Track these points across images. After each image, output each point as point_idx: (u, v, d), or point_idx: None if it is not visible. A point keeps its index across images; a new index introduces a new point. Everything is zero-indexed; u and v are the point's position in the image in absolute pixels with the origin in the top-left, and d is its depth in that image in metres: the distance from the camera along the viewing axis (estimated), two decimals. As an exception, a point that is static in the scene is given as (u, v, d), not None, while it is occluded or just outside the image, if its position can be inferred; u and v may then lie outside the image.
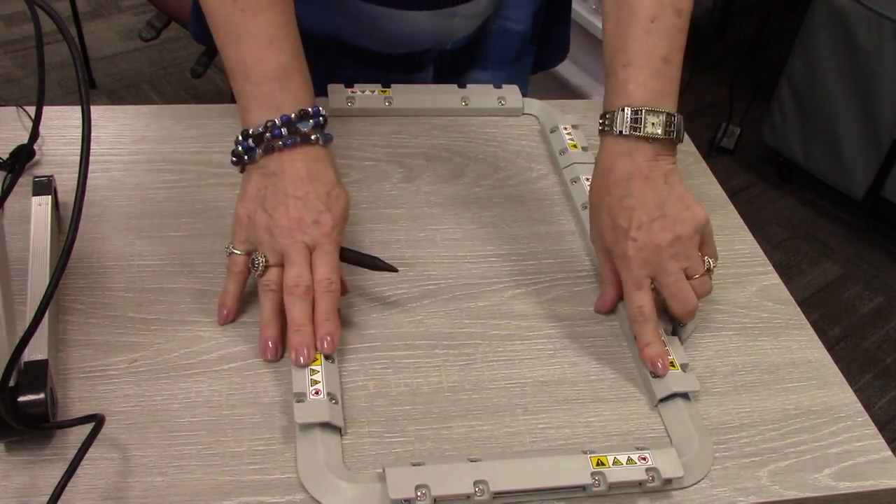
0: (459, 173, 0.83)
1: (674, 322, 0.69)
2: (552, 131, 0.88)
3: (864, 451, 0.64)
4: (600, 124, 0.69)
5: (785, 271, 2.12)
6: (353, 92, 0.87)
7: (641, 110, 0.66)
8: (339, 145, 0.83)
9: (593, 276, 0.75)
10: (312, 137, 0.66)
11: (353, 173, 0.81)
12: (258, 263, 0.64)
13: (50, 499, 0.51)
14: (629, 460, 0.58)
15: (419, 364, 0.65)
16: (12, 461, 0.55)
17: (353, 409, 0.62)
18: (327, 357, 0.62)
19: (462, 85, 0.91)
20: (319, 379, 0.60)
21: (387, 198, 0.79)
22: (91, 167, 0.73)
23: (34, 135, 0.74)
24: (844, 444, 0.64)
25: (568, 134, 0.87)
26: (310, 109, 0.66)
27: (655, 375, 0.65)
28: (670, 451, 0.60)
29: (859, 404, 0.68)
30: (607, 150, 0.69)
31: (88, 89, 0.78)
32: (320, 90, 0.85)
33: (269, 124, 0.65)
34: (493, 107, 0.91)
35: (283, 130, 0.65)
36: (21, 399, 0.53)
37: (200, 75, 1.88)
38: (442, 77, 0.96)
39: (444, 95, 0.90)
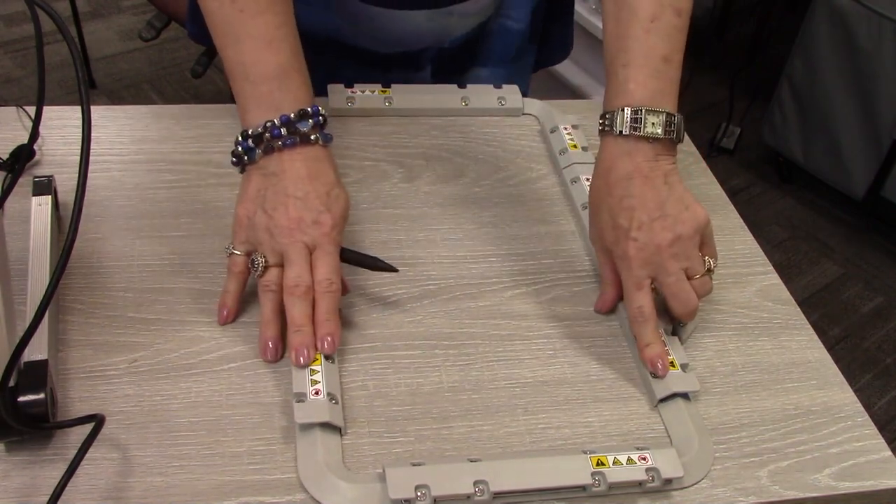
0: (459, 173, 0.83)
1: (674, 322, 0.69)
2: (552, 131, 0.88)
3: (864, 451, 0.64)
4: (600, 124, 0.69)
5: (785, 271, 2.12)
6: (353, 92, 0.87)
7: (641, 110, 0.66)
8: (339, 145, 0.83)
9: (593, 276, 0.75)
10: (312, 137, 0.66)
11: (353, 173, 0.81)
12: (258, 264, 0.64)
13: (50, 499, 0.51)
14: (629, 460, 0.58)
15: (419, 364, 0.65)
16: (12, 461, 0.55)
17: (353, 409, 0.62)
18: (327, 357, 0.62)
19: (462, 85, 0.91)
20: (319, 379, 0.60)
21: (387, 198, 0.79)
22: (91, 167, 0.73)
23: (34, 135, 0.74)
24: (844, 444, 0.64)
25: (568, 134, 0.87)
26: (309, 109, 0.67)
27: (655, 376, 0.65)
28: (670, 451, 0.60)
29: (859, 404, 0.68)
30: (607, 150, 0.69)
31: (88, 89, 0.78)
32: (320, 90, 0.85)
33: (268, 124, 0.65)
34: (493, 107, 0.91)
35: (283, 130, 0.65)
36: (21, 399, 0.53)
37: (200, 75, 1.88)
38: (441, 75, 0.96)
39: (444, 95, 0.90)
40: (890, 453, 0.64)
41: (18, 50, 2.48)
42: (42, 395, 0.53)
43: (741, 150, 2.47)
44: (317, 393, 0.59)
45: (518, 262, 0.75)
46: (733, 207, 0.85)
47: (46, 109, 0.78)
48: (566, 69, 2.22)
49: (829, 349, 0.73)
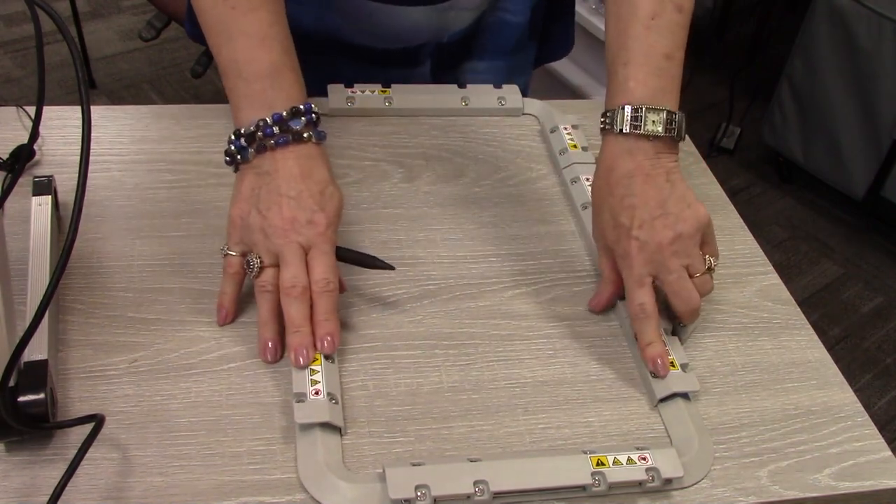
0: (459, 173, 0.83)
1: (674, 322, 0.69)
2: (552, 131, 0.88)
3: (864, 451, 0.64)
4: (601, 123, 0.69)
5: (785, 271, 2.12)
6: (352, 92, 0.87)
7: (642, 108, 0.66)
8: (339, 145, 0.83)
9: (593, 276, 0.75)
10: (305, 135, 0.66)
11: (353, 173, 0.81)
12: (253, 265, 0.63)
13: (50, 499, 0.51)
14: (629, 460, 0.58)
15: (419, 364, 0.65)
16: (12, 461, 0.55)
17: (353, 409, 0.62)
18: (327, 357, 0.62)
19: (462, 84, 0.91)
20: (319, 379, 0.60)
21: (387, 198, 0.79)
22: (91, 167, 0.73)
23: (34, 135, 0.74)
24: (844, 444, 0.64)
25: (568, 134, 0.87)
26: (301, 107, 0.66)
27: (655, 375, 0.65)
28: (670, 451, 0.60)
29: (859, 404, 0.68)
30: (608, 148, 0.69)
31: (88, 89, 0.78)
32: (320, 90, 0.85)
33: (260, 123, 0.65)
34: (493, 107, 0.91)
35: (275, 129, 0.65)
36: (21, 399, 0.53)
37: (200, 75, 1.88)
38: (440, 70, 0.96)
39: (444, 95, 0.90)
40: (890, 453, 0.64)
41: (18, 50, 2.48)
42: (42, 395, 0.53)
43: (741, 150, 2.48)
44: (317, 393, 0.59)
45: (518, 262, 0.75)
46: (733, 207, 0.85)
47: (46, 109, 0.78)
48: (566, 69, 2.23)
49: (829, 349, 0.73)
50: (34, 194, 0.69)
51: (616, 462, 0.58)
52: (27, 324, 0.47)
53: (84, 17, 2.54)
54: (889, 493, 0.63)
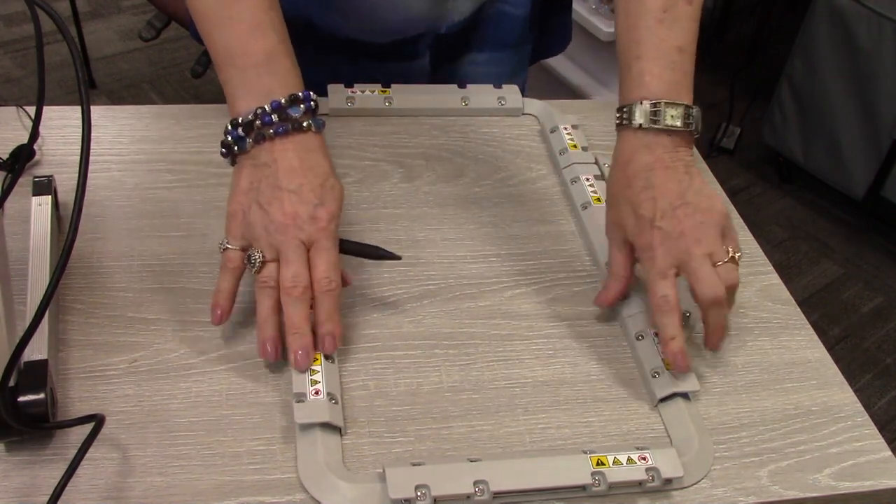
0: (459, 173, 0.83)
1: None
2: (552, 131, 0.88)
3: (864, 451, 0.64)
4: (617, 118, 0.68)
5: (785, 271, 2.12)
6: (352, 92, 0.87)
7: (661, 103, 0.66)
8: (339, 145, 0.83)
9: (593, 276, 0.75)
10: (304, 124, 0.64)
11: (353, 173, 0.81)
12: (255, 260, 0.62)
13: (50, 499, 0.51)
14: (629, 460, 0.58)
15: (419, 364, 0.65)
16: (12, 461, 0.55)
17: (353, 409, 0.62)
18: (327, 357, 0.62)
19: (462, 84, 0.91)
20: (319, 379, 0.60)
21: (387, 198, 0.79)
22: (91, 167, 0.73)
23: (34, 135, 0.74)
24: (844, 444, 0.64)
25: (568, 134, 0.87)
26: (300, 94, 0.64)
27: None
28: (670, 451, 0.60)
29: (859, 404, 0.68)
30: (626, 143, 0.68)
31: (88, 89, 0.78)
32: (320, 90, 0.85)
33: (258, 111, 0.63)
34: (493, 107, 0.91)
35: (274, 117, 0.63)
36: (21, 399, 0.53)
37: (200, 75, 1.88)
38: (439, 63, 0.95)
39: (444, 95, 0.90)
40: (890, 453, 0.64)
41: (18, 50, 2.48)
42: (42, 395, 0.53)
43: (741, 150, 2.48)
44: (317, 393, 0.59)
45: (518, 262, 0.75)
46: (733, 207, 0.85)
47: (46, 109, 0.78)
48: (566, 69, 2.23)
49: (829, 349, 0.73)
50: (34, 194, 0.69)
51: (616, 462, 0.58)
52: (27, 324, 0.47)
53: (84, 17, 2.54)
54: (889, 493, 0.63)
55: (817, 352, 0.72)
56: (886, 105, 2.01)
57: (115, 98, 2.37)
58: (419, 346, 0.67)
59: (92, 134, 0.48)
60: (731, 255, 0.65)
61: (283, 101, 0.63)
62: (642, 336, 0.68)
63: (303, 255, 0.62)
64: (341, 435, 0.60)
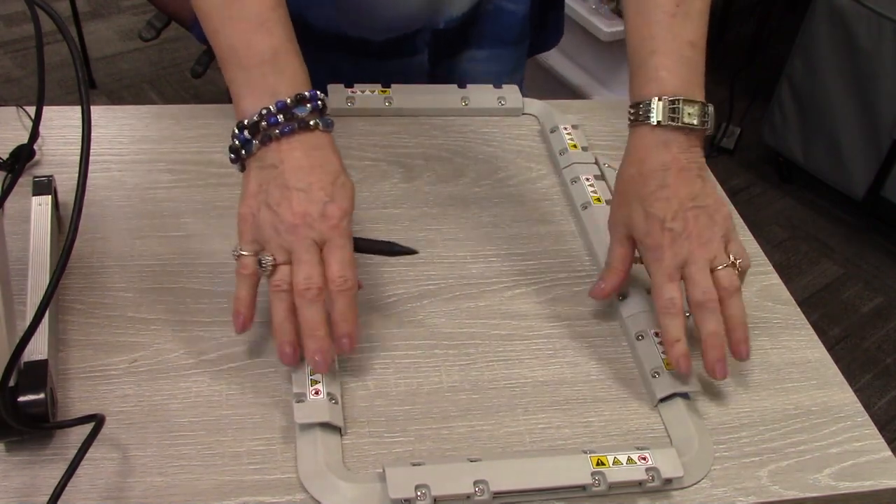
0: (459, 173, 0.83)
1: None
2: (552, 131, 0.88)
3: (864, 451, 0.64)
4: (631, 114, 0.67)
5: (785, 271, 2.12)
6: (352, 92, 0.87)
7: (678, 100, 0.65)
8: (339, 145, 0.82)
9: (593, 276, 0.75)
10: (311, 123, 0.62)
11: (354, 173, 0.81)
12: (266, 263, 0.60)
13: (50, 499, 0.51)
14: (629, 460, 0.58)
15: (419, 364, 0.65)
16: (12, 461, 0.55)
17: (353, 409, 0.62)
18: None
19: (462, 83, 0.91)
20: (319, 379, 0.60)
21: (387, 198, 0.79)
22: (91, 167, 0.73)
23: (34, 135, 0.74)
24: (844, 444, 0.64)
25: (568, 134, 0.87)
26: (307, 93, 0.62)
27: (657, 372, 0.65)
28: (670, 451, 0.60)
29: (859, 404, 0.68)
30: (641, 140, 0.67)
31: (88, 89, 0.78)
32: (319, 88, 0.85)
33: (263, 111, 0.61)
34: (492, 107, 0.91)
35: (280, 117, 0.61)
36: (21, 399, 0.53)
37: (200, 75, 1.88)
38: (438, 59, 0.95)
39: (444, 95, 0.90)
40: (890, 453, 0.64)
41: (18, 50, 2.48)
42: (42, 395, 0.53)
43: (741, 150, 2.48)
44: (317, 393, 0.59)
45: (518, 262, 0.75)
46: (733, 207, 0.84)
47: (46, 109, 0.78)
48: (566, 69, 2.23)
49: (829, 349, 0.72)
50: (34, 194, 0.69)
51: (616, 462, 0.58)
52: (27, 324, 0.47)
53: (84, 17, 2.54)
54: (889, 493, 0.63)
55: (817, 352, 0.72)
56: (886, 105, 2.01)
57: (115, 98, 2.37)
58: (419, 346, 0.67)
59: (92, 134, 0.48)
60: (732, 260, 0.65)
61: (288, 100, 0.61)
62: (642, 336, 0.68)
63: (315, 254, 0.60)
64: (341, 435, 0.60)
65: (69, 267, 0.66)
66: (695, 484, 0.60)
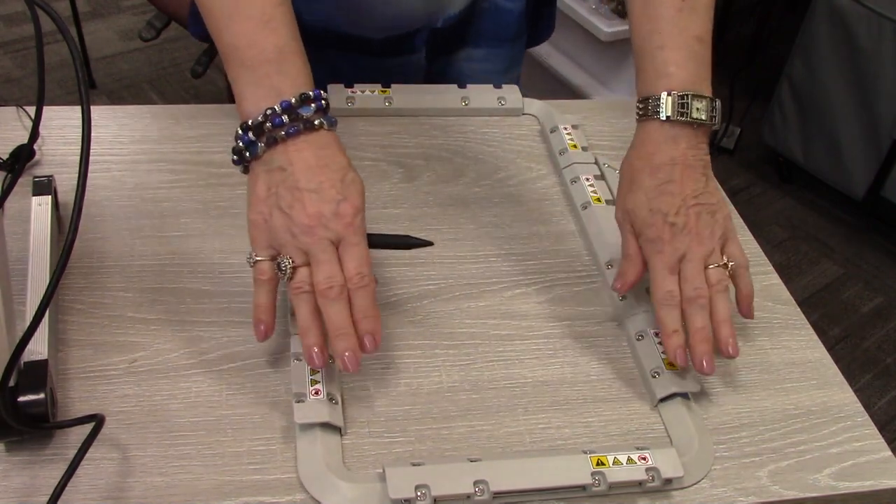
0: (459, 173, 0.83)
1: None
2: (552, 131, 0.88)
3: (864, 451, 0.64)
4: (640, 108, 0.68)
5: (785, 271, 2.12)
6: (352, 92, 0.87)
7: (687, 95, 0.66)
8: (339, 145, 0.83)
9: (593, 276, 0.75)
10: (316, 123, 0.61)
11: (353, 173, 0.81)
12: (285, 267, 0.60)
13: (50, 499, 0.51)
14: (629, 460, 0.58)
15: (419, 364, 0.65)
16: (12, 461, 0.55)
17: (353, 409, 0.62)
18: (330, 357, 0.62)
19: (461, 82, 0.91)
20: (319, 379, 0.60)
21: (387, 198, 0.79)
22: (91, 167, 0.73)
23: (34, 135, 0.74)
24: (844, 444, 0.64)
25: (568, 134, 0.87)
26: (311, 93, 0.62)
27: (657, 372, 0.65)
28: (670, 451, 0.60)
29: (859, 404, 0.68)
30: (650, 135, 0.67)
31: (88, 89, 0.78)
32: (318, 87, 0.85)
33: (268, 112, 0.60)
34: (493, 107, 0.91)
35: (284, 118, 0.60)
36: (21, 399, 0.53)
37: (200, 75, 1.88)
38: (435, 57, 0.95)
39: (444, 95, 0.90)
40: (890, 453, 0.64)
41: (18, 50, 2.48)
42: (42, 395, 0.53)
43: (741, 150, 2.47)
44: (317, 393, 0.59)
45: (518, 262, 0.75)
46: (733, 207, 0.84)
47: (46, 109, 0.78)
48: (566, 69, 2.22)
49: (829, 349, 0.73)
50: (34, 194, 0.69)
51: (616, 462, 0.58)
52: (27, 324, 0.47)
53: (84, 17, 2.54)
54: (889, 493, 0.63)
55: (817, 352, 0.72)
56: (886, 105, 2.01)
57: (115, 98, 2.37)
58: (419, 346, 0.67)
59: (92, 134, 0.48)
60: (725, 261, 0.66)
61: (293, 100, 0.61)
62: (642, 336, 0.68)
63: (333, 254, 0.60)
64: (341, 435, 0.60)
65: (69, 267, 0.66)
66: (695, 484, 0.60)
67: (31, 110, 0.79)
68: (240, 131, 0.62)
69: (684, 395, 0.65)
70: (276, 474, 0.57)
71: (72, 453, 0.53)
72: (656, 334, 0.67)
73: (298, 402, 0.59)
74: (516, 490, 0.56)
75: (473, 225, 0.78)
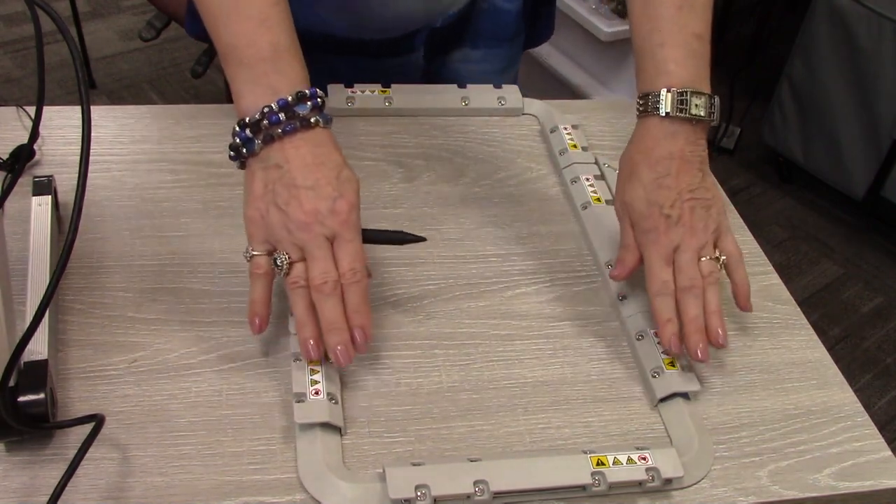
0: (459, 173, 0.83)
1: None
2: (552, 131, 0.88)
3: (864, 451, 0.64)
4: (640, 104, 0.69)
5: (785, 271, 2.12)
6: (352, 92, 0.87)
7: (686, 91, 0.67)
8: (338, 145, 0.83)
9: (593, 276, 0.75)
10: (312, 120, 0.62)
11: (353, 173, 0.81)
12: (282, 262, 0.61)
13: (50, 499, 0.51)
14: (629, 460, 0.58)
15: (419, 364, 0.65)
16: (12, 461, 0.55)
17: (353, 409, 0.62)
18: (327, 357, 0.62)
19: (462, 85, 0.91)
20: (319, 379, 0.60)
21: (387, 198, 0.79)
22: (91, 167, 0.73)
23: (34, 135, 0.74)
24: (844, 444, 0.64)
25: (568, 134, 0.87)
26: (307, 91, 0.63)
27: (657, 372, 0.65)
28: (670, 451, 0.60)
29: (859, 404, 0.68)
30: (650, 130, 0.69)
31: (88, 89, 0.78)
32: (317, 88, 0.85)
33: (265, 110, 0.61)
34: (493, 107, 0.91)
35: (281, 116, 0.61)
36: (21, 399, 0.53)
37: (200, 75, 1.88)
38: (433, 57, 0.95)
39: (444, 95, 0.90)
40: (890, 453, 0.64)
41: (18, 50, 2.48)
42: (42, 395, 0.53)
43: (741, 150, 2.47)
44: (317, 393, 0.59)
45: (518, 262, 0.75)
46: (733, 207, 0.85)
47: (46, 109, 0.78)
48: (566, 69, 2.22)
49: (829, 349, 0.73)
50: (34, 194, 0.69)
51: (616, 462, 0.58)
52: (27, 324, 0.47)
53: (84, 17, 2.54)
54: (889, 493, 0.63)
55: (817, 352, 0.72)
56: (886, 105, 2.01)
57: (115, 98, 2.37)
58: (419, 346, 0.67)
59: (92, 134, 0.48)
60: (717, 255, 0.68)
61: (289, 98, 0.62)
62: (642, 336, 0.68)
63: (328, 250, 0.61)
64: (341, 435, 0.60)
65: (69, 267, 0.66)
66: (695, 484, 0.60)
67: (31, 110, 0.79)
68: (237, 128, 0.63)
69: (684, 395, 0.65)
70: (276, 474, 0.57)
71: (72, 453, 0.53)
72: (656, 334, 0.67)
73: (298, 402, 0.59)
74: (516, 490, 0.56)
75: (473, 225, 0.78)
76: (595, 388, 0.66)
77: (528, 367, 0.66)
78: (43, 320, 0.47)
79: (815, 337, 0.73)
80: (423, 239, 0.67)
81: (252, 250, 0.63)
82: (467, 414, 0.63)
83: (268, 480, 0.57)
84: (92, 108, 0.59)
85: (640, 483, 0.58)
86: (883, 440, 0.65)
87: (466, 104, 0.90)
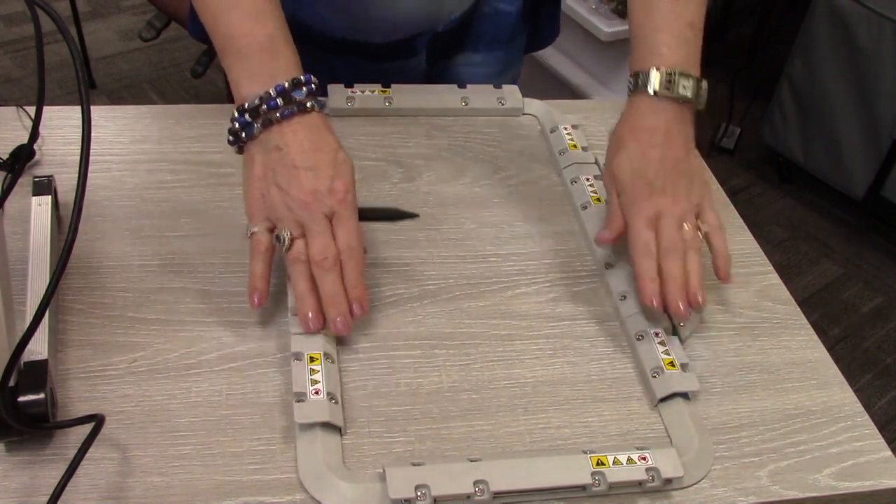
0: (459, 173, 0.83)
1: (673, 321, 0.69)
2: (552, 131, 0.88)
3: (864, 451, 0.64)
4: (630, 83, 0.72)
5: (785, 271, 2.12)
6: (352, 92, 0.87)
7: (675, 72, 0.70)
8: (339, 145, 0.83)
9: (593, 276, 0.75)
10: (308, 105, 0.66)
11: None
12: (283, 238, 0.64)
13: (50, 499, 0.51)
14: (629, 460, 0.58)
15: (419, 364, 0.65)
16: (12, 461, 0.55)
17: (353, 409, 0.62)
18: (327, 356, 0.62)
19: (462, 85, 0.91)
20: (319, 379, 0.60)
21: (387, 198, 0.79)
22: (91, 167, 0.73)
23: (34, 135, 0.74)
24: (844, 444, 0.64)
25: (568, 134, 0.87)
26: (302, 77, 0.66)
27: (657, 372, 0.65)
28: (670, 451, 0.60)
29: (859, 404, 0.68)
30: (637, 106, 0.72)
31: (88, 89, 0.78)
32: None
33: (263, 96, 0.65)
34: (493, 107, 0.91)
35: (279, 101, 0.65)
36: (21, 399, 0.53)
37: (200, 75, 1.88)
38: (435, 60, 0.96)
39: (444, 95, 0.90)
40: (890, 453, 0.64)
41: (18, 50, 2.48)
42: (42, 395, 0.53)
43: (741, 150, 2.47)
44: (317, 393, 0.59)
45: (518, 262, 0.75)
46: (733, 207, 0.85)
47: (46, 109, 0.78)
48: (566, 69, 2.23)
49: (829, 349, 0.73)
50: (34, 194, 0.69)
51: (616, 462, 0.58)
52: (27, 324, 0.47)
53: (84, 17, 2.54)
54: (889, 493, 0.63)
55: (817, 352, 0.72)
56: (886, 105, 2.01)
57: (115, 98, 2.37)
58: (419, 346, 0.67)
59: (92, 134, 0.48)
60: (697, 224, 0.70)
61: (286, 84, 0.65)
62: (642, 336, 0.68)
63: (327, 227, 0.64)
64: (341, 435, 0.60)
65: (69, 267, 0.66)
66: (695, 484, 0.60)
67: (31, 110, 0.79)
68: (236, 114, 0.66)
69: (684, 395, 0.65)
70: (276, 474, 0.57)
71: (72, 453, 0.53)
72: (656, 334, 0.67)
73: (298, 401, 0.59)
74: (516, 490, 0.57)
75: (473, 225, 0.78)
76: (595, 388, 0.66)
77: (528, 367, 0.66)
78: (43, 320, 0.47)
79: (815, 337, 0.73)
80: (415, 215, 0.72)
81: (253, 228, 0.65)
82: (467, 414, 0.63)
83: (268, 480, 0.57)
84: (92, 108, 0.59)
85: (640, 483, 0.58)
86: (883, 440, 0.65)
87: (466, 104, 0.90)
